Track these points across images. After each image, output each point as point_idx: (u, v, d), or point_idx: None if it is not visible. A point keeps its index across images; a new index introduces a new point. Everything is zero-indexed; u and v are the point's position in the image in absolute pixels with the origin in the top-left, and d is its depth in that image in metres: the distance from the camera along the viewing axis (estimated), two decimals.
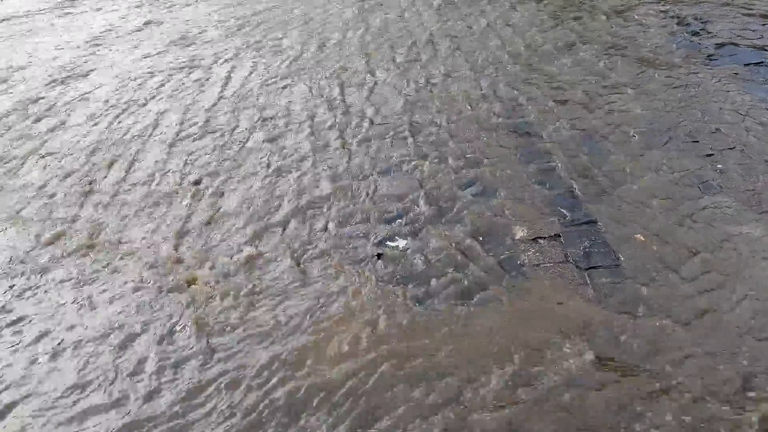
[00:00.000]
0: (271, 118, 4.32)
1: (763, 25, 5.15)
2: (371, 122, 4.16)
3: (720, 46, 4.84)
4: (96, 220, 3.41)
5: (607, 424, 2.09)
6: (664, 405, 2.13)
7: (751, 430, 2.03)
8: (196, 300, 2.78)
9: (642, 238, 2.92)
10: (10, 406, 2.34)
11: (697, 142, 3.63)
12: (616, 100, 4.17)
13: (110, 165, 3.92)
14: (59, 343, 2.61)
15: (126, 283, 2.92)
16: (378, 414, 2.19)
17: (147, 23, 6.51)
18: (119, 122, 4.45)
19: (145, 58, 5.57)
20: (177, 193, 3.58)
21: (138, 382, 2.40)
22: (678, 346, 2.35)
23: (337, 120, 4.22)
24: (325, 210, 3.32)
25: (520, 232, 3.03)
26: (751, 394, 2.15)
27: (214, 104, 4.59)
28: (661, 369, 2.26)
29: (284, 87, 4.78)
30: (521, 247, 2.93)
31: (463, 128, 3.99)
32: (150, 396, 2.33)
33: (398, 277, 2.82)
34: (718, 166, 3.40)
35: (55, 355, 2.55)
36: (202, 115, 4.44)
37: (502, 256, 2.88)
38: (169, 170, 3.81)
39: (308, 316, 2.63)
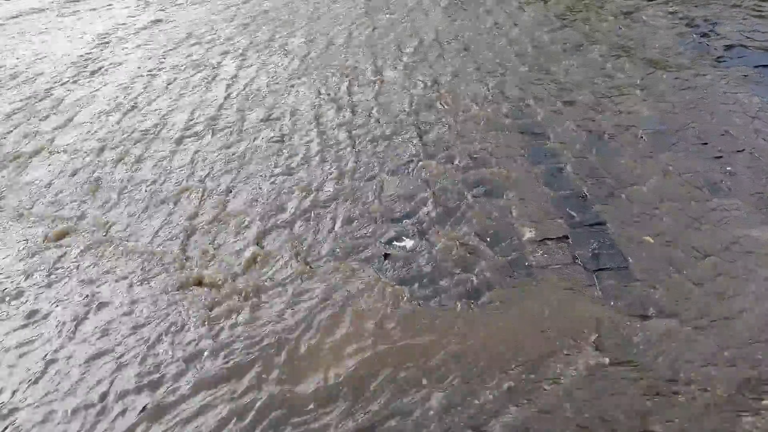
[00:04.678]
0: (278, 118, 4.33)
1: None
2: (378, 122, 4.15)
3: (729, 47, 4.82)
4: (103, 217, 3.42)
5: (616, 426, 2.08)
6: (674, 408, 2.12)
7: None
8: (203, 299, 2.78)
9: (650, 240, 2.91)
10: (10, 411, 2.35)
11: (706, 144, 3.61)
12: (624, 102, 4.15)
13: (117, 163, 3.93)
14: (64, 342, 2.62)
15: (132, 281, 2.93)
16: (384, 413, 2.18)
17: (154, 22, 6.53)
18: (127, 120, 4.46)
19: (152, 56, 5.59)
20: (184, 191, 3.58)
21: (143, 379, 2.40)
22: (687, 348, 2.34)
23: (344, 119, 4.22)
24: (332, 209, 3.32)
25: (527, 233, 3.02)
26: (762, 396, 2.13)
27: (221, 103, 4.59)
28: (670, 371, 2.25)
29: (291, 86, 4.79)
30: (529, 248, 2.92)
31: (471, 128, 3.98)
32: (157, 392, 2.34)
33: (405, 277, 2.82)
34: (727, 168, 3.38)
35: (58, 359, 2.56)
36: (209, 114, 4.44)
37: (509, 257, 2.87)
38: (176, 168, 3.82)
39: (315, 315, 2.63)
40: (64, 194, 3.65)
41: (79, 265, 3.06)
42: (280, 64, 5.19)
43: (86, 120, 4.51)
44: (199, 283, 2.88)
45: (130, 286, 2.90)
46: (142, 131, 4.29)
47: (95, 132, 4.33)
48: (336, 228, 3.17)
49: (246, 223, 3.27)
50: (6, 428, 2.25)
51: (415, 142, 3.88)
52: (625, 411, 2.12)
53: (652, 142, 3.67)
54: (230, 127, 4.25)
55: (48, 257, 3.13)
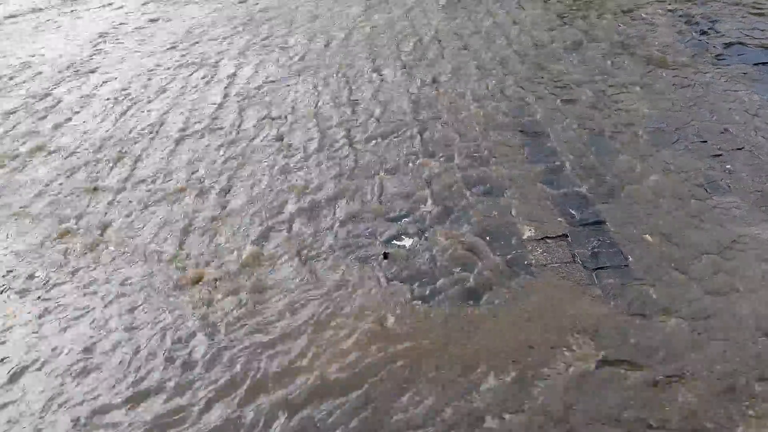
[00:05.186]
0: (277, 116, 4.32)
1: None
2: (377, 120, 4.15)
3: (728, 45, 4.81)
4: (101, 217, 3.41)
5: (614, 425, 2.07)
6: (672, 407, 2.11)
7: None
8: (202, 298, 2.78)
9: (650, 239, 2.90)
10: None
11: (706, 142, 3.61)
12: (624, 100, 4.15)
13: (116, 162, 3.92)
14: (61, 340, 2.61)
15: (131, 281, 2.92)
16: (383, 414, 2.18)
17: (152, 20, 6.51)
18: (125, 119, 4.45)
19: (150, 55, 5.57)
20: (182, 190, 3.57)
21: (141, 382, 2.40)
22: (686, 347, 2.33)
23: (344, 118, 4.21)
24: (331, 208, 3.31)
25: (527, 232, 3.01)
26: (762, 395, 2.13)
27: (220, 102, 4.58)
28: (670, 370, 2.25)
29: (290, 85, 4.78)
30: (528, 247, 2.92)
31: (470, 127, 3.97)
32: (154, 395, 2.33)
33: (405, 276, 2.81)
34: (727, 166, 3.38)
35: (56, 357, 2.56)
36: (208, 113, 4.43)
37: (509, 256, 2.87)
38: (174, 168, 3.81)
39: (314, 315, 2.63)
40: (63, 194, 3.64)
41: (77, 265, 3.05)
42: (279, 63, 5.18)
43: (84, 119, 4.50)
44: (198, 281, 2.88)
45: (129, 285, 2.89)
46: (140, 130, 4.27)
47: (93, 131, 4.32)
48: (335, 227, 3.16)
49: (245, 222, 3.26)
50: None
51: (414, 140, 3.87)
52: (623, 410, 2.12)
53: (652, 140, 3.67)
54: (229, 126, 4.24)
55: (47, 257, 3.12)
